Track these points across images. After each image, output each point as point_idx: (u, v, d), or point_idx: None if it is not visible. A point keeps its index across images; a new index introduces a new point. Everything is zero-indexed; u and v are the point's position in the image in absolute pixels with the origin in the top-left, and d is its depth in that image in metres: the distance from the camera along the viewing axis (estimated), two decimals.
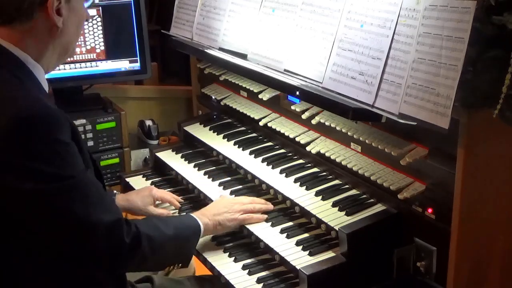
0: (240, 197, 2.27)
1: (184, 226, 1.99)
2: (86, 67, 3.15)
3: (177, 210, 2.39)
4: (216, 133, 2.73)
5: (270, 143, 2.56)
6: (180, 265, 1.98)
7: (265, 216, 2.17)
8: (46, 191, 1.53)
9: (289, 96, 2.41)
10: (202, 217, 2.06)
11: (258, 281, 1.97)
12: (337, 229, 1.95)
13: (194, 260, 2.32)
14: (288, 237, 2.06)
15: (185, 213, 2.28)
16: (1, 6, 1.59)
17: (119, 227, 1.68)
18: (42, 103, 1.57)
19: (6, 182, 1.51)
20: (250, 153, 2.49)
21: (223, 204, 2.16)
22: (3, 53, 1.61)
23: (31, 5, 1.59)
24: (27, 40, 1.63)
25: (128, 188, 2.65)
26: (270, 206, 2.21)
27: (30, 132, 1.50)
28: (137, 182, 2.68)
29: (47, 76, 1.74)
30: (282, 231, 2.09)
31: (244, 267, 2.05)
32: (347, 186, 2.18)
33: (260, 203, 2.21)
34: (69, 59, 3.06)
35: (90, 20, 3.09)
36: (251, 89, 2.54)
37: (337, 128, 2.14)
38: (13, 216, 1.56)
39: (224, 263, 2.08)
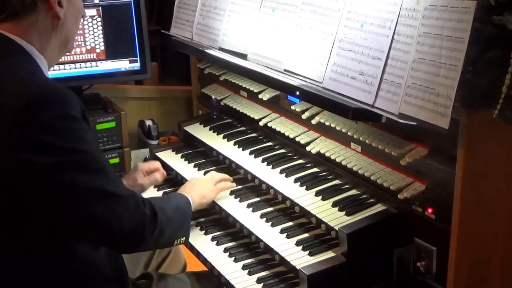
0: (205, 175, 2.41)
1: (180, 199, 2.08)
2: (86, 67, 3.15)
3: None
4: (216, 133, 2.73)
5: (270, 143, 2.56)
6: (183, 238, 2.01)
7: (234, 184, 2.37)
8: (64, 163, 1.56)
9: (289, 96, 2.41)
10: (185, 192, 2.16)
11: (258, 281, 1.98)
12: (337, 229, 1.95)
13: (185, 254, 2.35)
14: (288, 237, 2.06)
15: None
16: (6, 1, 1.64)
17: (137, 199, 1.74)
18: (54, 83, 1.63)
19: (22, 157, 1.53)
20: (250, 153, 2.49)
21: (197, 181, 2.29)
22: (10, 44, 1.66)
23: (33, 0, 1.65)
24: (32, 33, 1.69)
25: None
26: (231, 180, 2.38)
27: (43, 108, 1.54)
28: None
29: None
30: (282, 231, 2.09)
31: (244, 267, 2.05)
32: (347, 186, 2.18)
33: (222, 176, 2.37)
34: (69, 59, 3.09)
35: (87, 17, 3.10)
36: (251, 89, 2.54)
37: (337, 128, 2.14)
38: (29, 192, 1.57)
39: (224, 263, 2.08)
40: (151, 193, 2.56)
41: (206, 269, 2.16)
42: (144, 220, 1.75)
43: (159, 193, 2.56)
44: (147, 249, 2.00)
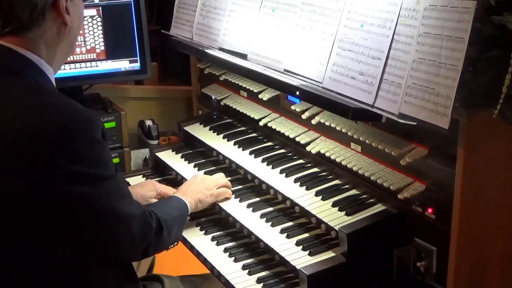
0: (211, 176, 2.39)
1: (180, 207, 2.12)
2: (86, 67, 3.15)
3: None
4: (216, 133, 2.73)
5: (270, 143, 2.56)
6: (176, 244, 2.08)
7: (231, 194, 2.33)
8: (93, 192, 1.59)
9: (289, 96, 2.41)
10: (185, 196, 2.18)
11: (258, 281, 1.98)
12: (337, 229, 1.95)
13: (185, 254, 2.35)
14: (288, 237, 2.06)
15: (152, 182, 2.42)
16: (15, 15, 1.60)
17: (146, 215, 1.79)
18: (77, 106, 1.62)
19: (55, 187, 1.54)
20: (250, 153, 2.49)
21: (198, 182, 2.29)
22: (22, 60, 1.63)
23: (42, 10, 1.61)
24: (40, 45, 1.66)
25: None
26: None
27: (75, 137, 1.54)
28: (137, 182, 2.67)
29: None
30: (282, 231, 2.09)
31: (244, 267, 2.05)
32: (347, 186, 2.18)
33: (224, 177, 2.38)
34: (69, 59, 3.08)
35: (87, 17, 3.10)
36: (251, 89, 2.54)
37: (337, 128, 2.14)
38: (55, 219, 1.58)
39: (224, 263, 2.08)
40: None
41: (205, 269, 2.16)
42: (152, 235, 1.80)
43: None
44: (146, 258, 2.06)
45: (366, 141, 2.03)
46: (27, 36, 1.63)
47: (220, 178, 2.36)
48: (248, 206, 2.27)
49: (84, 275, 1.69)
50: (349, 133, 2.10)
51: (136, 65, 3.22)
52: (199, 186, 2.27)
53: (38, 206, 1.55)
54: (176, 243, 2.07)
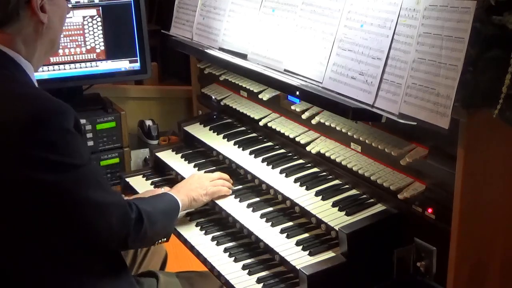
0: (209, 174, 2.41)
1: (170, 202, 2.12)
2: (86, 67, 3.15)
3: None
4: (216, 133, 2.73)
5: (270, 143, 2.56)
6: (164, 239, 2.07)
7: (230, 190, 2.35)
8: (65, 180, 1.60)
9: (289, 96, 2.41)
10: (178, 194, 2.18)
11: (258, 281, 1.98)
12: (337, 229, 1.95)
13: (185, 254, 2.36)
14: (288, 237, 2.06)
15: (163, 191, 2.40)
16: None
17: (125, 206, 1.80)
18: (50, 97, 1.63)
19: (26, 175, 1.55)
20: (250, 153, 2.49)
21: (194, 181, 2.31)
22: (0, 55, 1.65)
23: (15, 7, 1.63)
24: (17, 41, 1.68)
25: (128, 188, 2.66)
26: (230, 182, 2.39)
27: (45, 125, 1.55)
28: (137, 182, 2.68)
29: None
30: (282, 231, 2.09)
31: (244, 267, 2.05)
32: (347, 186, 2.18)
33: (224, 178, 2.38)
34: (69, 59, 3.09)
35: (87, 17, 3.10)
36: (251, 89, 2.54)
37: (337, 128, 2.14)
38: (31, 208, 1.60)
39: (224, 263, 2.08)
40: (146, 187, 2.60)
41: (205, 268, 2.16)
42: (131, 225, 1.80)
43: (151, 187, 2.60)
44: (127, 249, 2.11)
45: (366, 141, 2.03)
46: (3, 32, 1.65)
47: (217, 179, 2.36)
48: (248, 206, 2.27)
49: (69, 263, 1.70)
50: (349, 133, 2.10)
51: (136, 65, 3.22)
52: (194, 184, 2.28)
53: (12, 193, 1.57)
54: (165, 239, 2.06)
